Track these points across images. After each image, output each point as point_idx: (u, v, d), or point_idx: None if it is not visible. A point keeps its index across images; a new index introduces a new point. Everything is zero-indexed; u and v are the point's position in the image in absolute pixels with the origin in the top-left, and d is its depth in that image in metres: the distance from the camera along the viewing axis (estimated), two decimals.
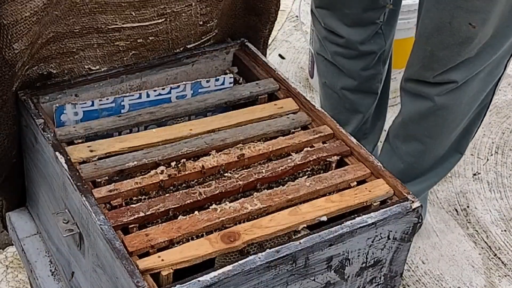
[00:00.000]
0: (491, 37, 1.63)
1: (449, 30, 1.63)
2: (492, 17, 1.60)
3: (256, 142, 1.41)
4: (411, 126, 1.84)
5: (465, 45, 1.64)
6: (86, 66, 1.48)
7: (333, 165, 1.38)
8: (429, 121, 1.78)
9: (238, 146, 1.39)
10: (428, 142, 1.83)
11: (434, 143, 1.84)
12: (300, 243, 1.18)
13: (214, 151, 1.37)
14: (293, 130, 1.45)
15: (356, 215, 1.24)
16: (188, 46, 1.59)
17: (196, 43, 1.59)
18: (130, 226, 1.22)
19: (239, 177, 1.32)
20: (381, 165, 1.35)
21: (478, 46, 1.64)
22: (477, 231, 2.11)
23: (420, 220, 1.29)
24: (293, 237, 1.22)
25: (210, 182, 1.31)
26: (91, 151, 1.34)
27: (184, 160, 1.35)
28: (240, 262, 1.14)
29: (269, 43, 2.83)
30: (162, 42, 1.53)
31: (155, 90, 1.49)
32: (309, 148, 1.40)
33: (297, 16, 3.01)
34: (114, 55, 1.49)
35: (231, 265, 1.13)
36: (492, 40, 1.64)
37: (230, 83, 1.55)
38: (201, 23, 1.54)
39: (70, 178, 1.27)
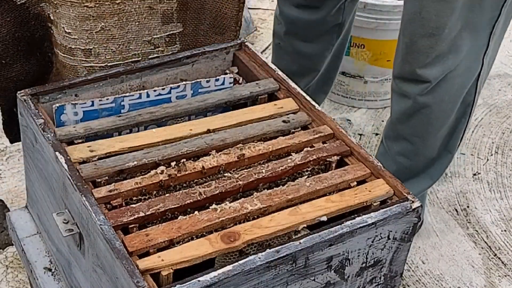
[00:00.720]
0: (461, 30, 1.65)
1: (420, 21, 1.66)
2: (459, 6, 1.61)
3: (256, 142, 1.41)
4: (399, 126, 1.86)
5: (436, 37, 1.65)
6: (62, 25, 1.56)
7: (333, 165, 1.38)
8: (414, 120, 1.81)
9: (238, 146, 1.39)
10: (416, 141, 1.85)
11: (422, 142, 1.85)
12: (300, 243, 1.18)
13: (214, 151, 1.37)
14: (293, 130, 1.45)
15: (356, 215, 1.24)
16: (155, 37, 1.64)
17: (161, 35, 1.65)
18: (130, 226, 1.22)
19: (239, 177, 1.32)
20: (381, 165, 1.35)
21: (449, 38, 1.65)
22: (477, 231, 2.11)
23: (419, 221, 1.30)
24: (293, 237, 1.22)
25: (210, 182, 1.31)
26: (91, 151, 1.34)
27: (184, 160, 1.34)
28: (240, 262, 1.14)
29: (268, 45, 2.83)
30: (129, 17, 1.58)
31: (155, 90, 1.49)
32: (309, 148, 1.40)
33: None
34: (84, 23, 1.56)
35: (231, 265, 1.13)
36: (463, 33, 1.65)
37: (230, 83, 1.55)
38: None
39: (70, 178, 1.27)
